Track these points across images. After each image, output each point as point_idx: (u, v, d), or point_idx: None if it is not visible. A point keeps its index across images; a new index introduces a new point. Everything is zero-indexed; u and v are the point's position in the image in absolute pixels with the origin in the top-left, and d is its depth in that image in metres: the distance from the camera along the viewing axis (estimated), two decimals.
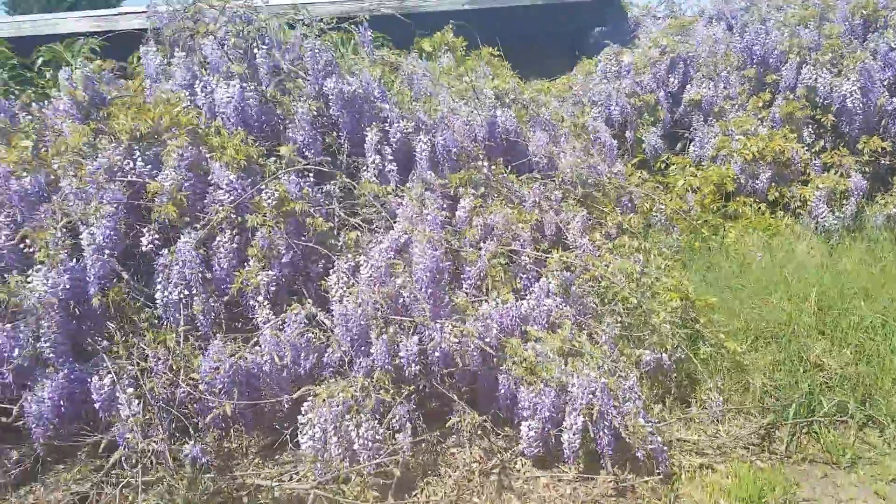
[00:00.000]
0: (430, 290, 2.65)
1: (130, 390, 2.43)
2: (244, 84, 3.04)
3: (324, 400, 2.45)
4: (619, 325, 2.98)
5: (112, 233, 2.63)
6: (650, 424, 2.57)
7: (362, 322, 2.58)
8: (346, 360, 2.73)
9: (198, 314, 2.76)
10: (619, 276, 3.00)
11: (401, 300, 2.73)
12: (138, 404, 2.41)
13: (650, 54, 5.07)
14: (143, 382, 2.47)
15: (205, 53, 3.08)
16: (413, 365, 2.58)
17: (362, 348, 2.64)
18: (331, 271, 2.90)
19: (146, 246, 2.77)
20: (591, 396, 2.54)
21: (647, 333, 2.93)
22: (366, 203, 3.25)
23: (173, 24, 3.45)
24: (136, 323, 2.75)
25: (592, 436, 2.56)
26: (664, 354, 2.88)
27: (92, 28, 7.26)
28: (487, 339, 2.69)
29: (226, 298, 2.85)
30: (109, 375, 2.45)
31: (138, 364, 2.52)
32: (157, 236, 2.79)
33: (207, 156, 2.94)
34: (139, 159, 2.91)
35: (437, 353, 2.63)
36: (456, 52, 4.82)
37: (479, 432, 2.72)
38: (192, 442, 2.32)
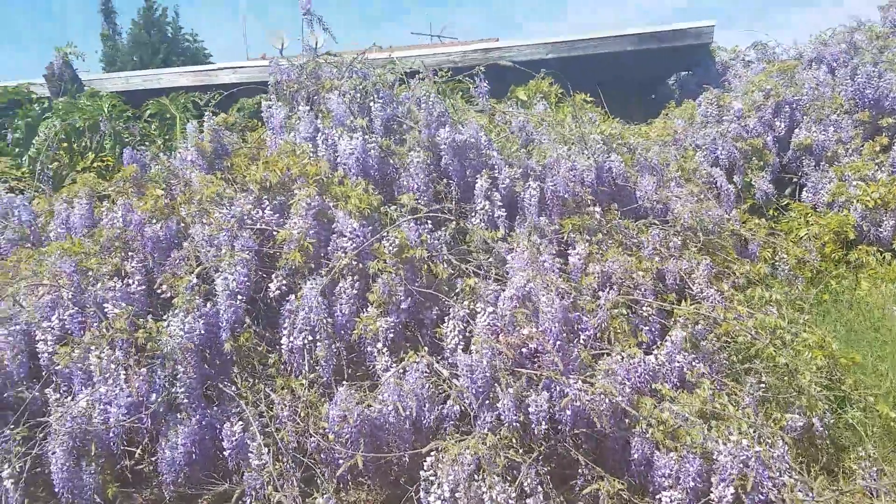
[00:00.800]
0: (557, 343, 2.54)
1: (261, 438, 2.42)
2: (365, 136, 3.11)
3: (454, 457, 2.34)
4: (761, 385, 2.75)
5: (245, 279, 2.69)
6: (810, 499, 2.32)
7: (488, 374, 2.49)
8: (466, 412, 2.64)
9: (320, 360, 2.76)
10: (758, 332, 2.79)
11: (523, 351, 2.63)
12: (268, 453, 2.39)
13: (754, 98, 4.90)
14: (271, 430, 2.45)
15: (329, 107, 3.18)
16: (542, 423, 2.46)
17: (486, 402, 2.54)
18: (446, 318, 2.86)
19: (274, 292, 2.82)
20: (741, 465, 2.33)
21: (792, 396, 2.69)
22: (475, 249, 3.22)
23: (293, 79, 3.61)
24: (260, 369, 2.78)
25: None
26: (815, 419, 2.63)
27: (192, 83, 7.80)
28: (620, 398, 2.54)
29: (342, 345, 2.85)
30: (240, 422, 2.45)
31: (268, 410, 2.51)
32: (283, 282, 2.84)
33: (331, 205, 2.99)
34: (267, 208, 3.00)
35: (567, 411, 2.49)
36: (550, 99, 4.83)
37: (612, 500, 2.53)
38: (324, 494, 2.26)
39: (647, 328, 3.04)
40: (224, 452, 2.45)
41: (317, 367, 2.76)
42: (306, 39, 3.62)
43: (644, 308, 3.05)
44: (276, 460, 2.39)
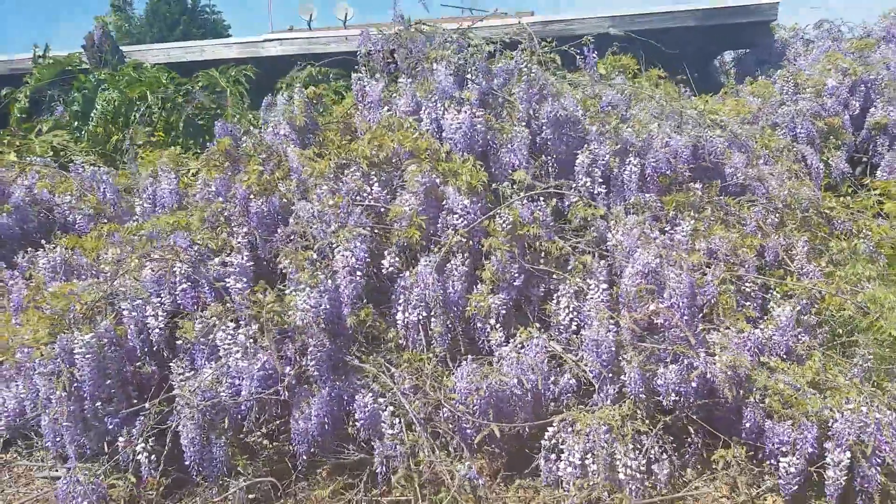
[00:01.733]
0: (685, 318, 2.54)
1: (391, 408, 2.44)
2: (473, 110, 3.07)
3: (586, 426, 2.37)
4: (868, 357, 2.76)
5: (365, 254, 2.68)
6: None
7: (613, 348, 2.51)
8: (582, 385, 2.66)
9: (435, 335, 2.77)
10: (867, 306, 2.78)
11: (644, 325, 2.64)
12: (400, 423, 2.42)
13: (830, 76, 4.83)
14: (399, 401, 2.47)
15: (437, 79, 3.13)
16: (672, 394, 2.47)
17: (609, 375, 2.56)
18: (554, 295, 2.87)
19: (387, 268, 2.82)
20: (858, 432, 2.37)
21: None
22: (576, 227, 3.20)
23: (382, 50, 3.56)
24: (376, 344, 2.80)
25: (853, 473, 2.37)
26: None
27: (237, 55, 7.71)
28: (740, 370, 2.55)
29: (452, 321, 2.85)
30: (370, 394, 2.46)
31: (391, 382, 2.53)
32: (396, 259, 2.83)
33: (437, 180, 2.96)
34: (375, 184, 2.98)
35: (692, 383, 2.50)
36: (627, 73, 4.75)
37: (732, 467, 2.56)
38: (465, 463, 2.29)
39: (751, 303, 3.04)
40: (350, 424, 2.47)
41: (430, 343, 2.78)
42: (397, 10, 3.56)
43: (747, 284, 3.04)
44: (409, 430, 2.41)
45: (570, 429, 2.47)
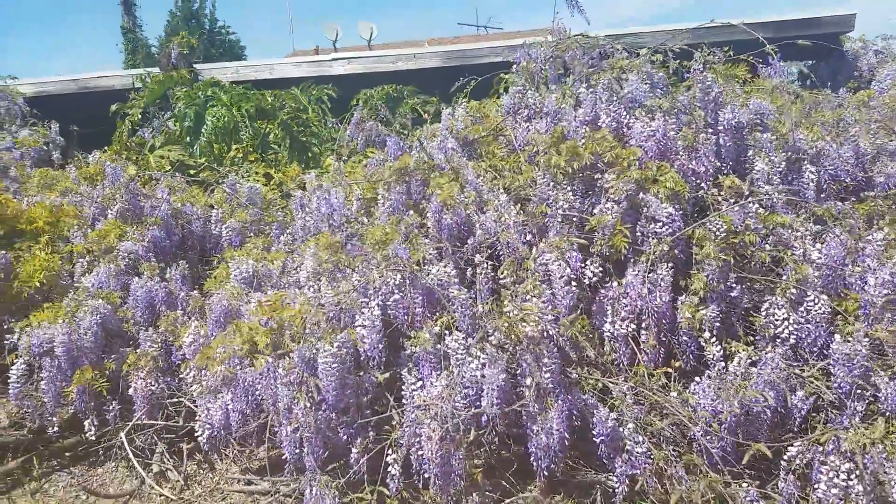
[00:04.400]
0: None
1: (631, 425, 2.38)
2: (666, 117, 3.04)
3: (852, 445, 2.28)
4: None
5: (580, 264, 2.64)
6: None
7: (865, 362, 2.43)
8: (835, 403, 2.57)
9: (645, 348, 2.71)
10: None
11: None
12: (644, 441, 2.35)
13: None
14: (633, 415, 2.41)
15: (630, 87, 3.11)
16: None
17: (857, 391, 2.48)
18: (762, 307, 2.80)
19: (590, 278, 2.77)
20: None
21: None
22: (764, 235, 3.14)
23: (541, 61, 3.55)
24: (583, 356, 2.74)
25: None
26: None
27: (305, 73, 7.77)
28: None
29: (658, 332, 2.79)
30: (605, 409, 2.40)
31: (626, 397, 2.47)
32: (599, 269, 2.79)
33: (632, 188, 2.92)
34: (569, 192, 2.95)
35: None
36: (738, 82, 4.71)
37: None
38: (745, 484, 2.21)
39: None
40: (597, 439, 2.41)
41: (634, 356, 2.72)
42: (557, 23, 3.55)
43: None
44: (656, 448, 2.34)
45: (821, 448, 2.38)
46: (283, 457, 2.88)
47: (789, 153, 3.36)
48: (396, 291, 2.65)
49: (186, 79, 5.94)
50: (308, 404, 2.38)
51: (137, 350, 3.26)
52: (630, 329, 2.72)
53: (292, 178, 4.23)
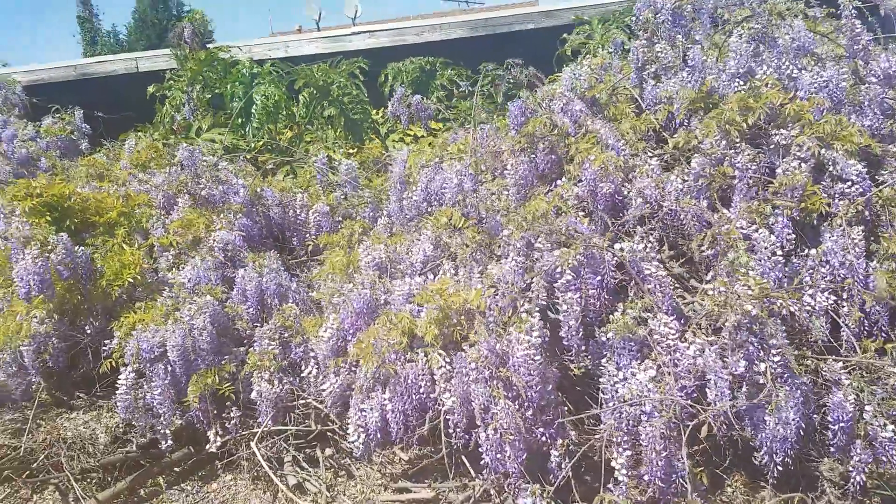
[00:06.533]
0: None
1: (870, 408, 2.12)
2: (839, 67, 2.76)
3: None
4: None
5: (789, 231, 2.36)
6: None
7: None
8: None
9: (847, 321, 2.46)
10: None
11: None
12: (887, 425, 2.10)
13: None
14: (868, 397, 2.16)
15: (793, 36, 2.81)
16: None
17: None
18: None
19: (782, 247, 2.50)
20: None
21: None
22: None
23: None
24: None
25: None
26: None
27: (322, 50, 7.37)
28: None
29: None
30: (840, 392, 2.15)
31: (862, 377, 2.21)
32: (791, 235, 2.51)
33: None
34: (747, 154, 2.65)
35: None
36: None
37: None
38: None
39: None
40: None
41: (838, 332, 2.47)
42: None
43: None
44: None
45: None
46: (426, 460, 2.63)
47: None
48: (581, 270, 2.34)
49: (222, 59, 5.49)
50: (508, 402, 2.08)
51: (250, 349, 2.93)
52: (830, 301, 2.46)
53: (374, 156, 3.87)
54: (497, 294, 2.32)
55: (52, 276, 2.98)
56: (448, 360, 2.29)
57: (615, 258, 2.35)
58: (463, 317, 2.32)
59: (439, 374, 2.32)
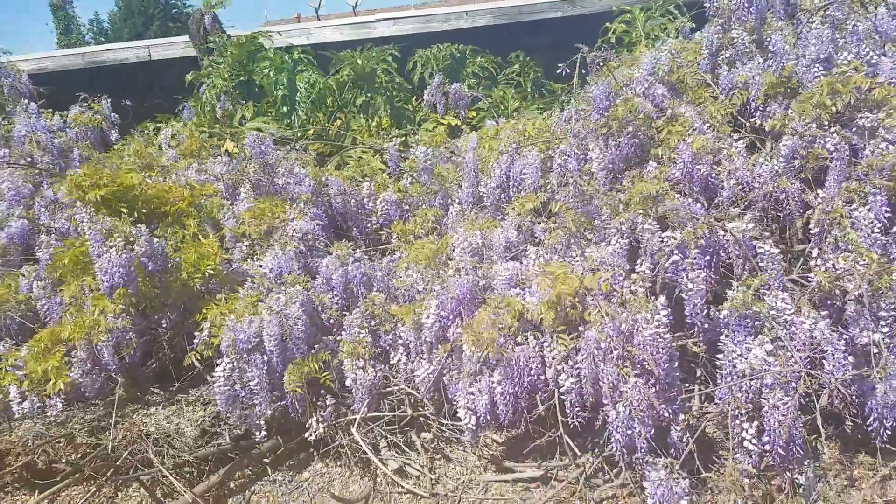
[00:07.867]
0: None
1: None
2: None
3: None
4: None
5: (886, 209, 2.43)
6: None
7: None
8: None
9: None
10: None
11: None
12: None
13: None
14: None
15: (866, 23, 2.88)
16: None
17: None
18: None
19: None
20: None
21: None
22: None
23: None
24: None
25: None
26: None
27: (346, 37, 7.32)
28: None
29: None
30: None
31: None
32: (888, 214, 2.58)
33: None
34: (836, 136, 2.72)
35: None
36: None
37: None
38: None
39: None
40: None
41: None
42: None
43: None
44: None
45: None
46: (530, 441, 2.66)
47: None
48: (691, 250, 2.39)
49: (261, 45, 5.43)
50: (637, 381, 2.13)
51: (338, 338, 2.94)
52: None
53: (438, 144, 3.88)
54: (613, 276, 2.36)
55: (137, 268, 2.96)
56: (572, 341, 2.33)
57: (725, 237, 2.40)
58: (577, 299, 2.36)
59: (552, 355, 2.36)
